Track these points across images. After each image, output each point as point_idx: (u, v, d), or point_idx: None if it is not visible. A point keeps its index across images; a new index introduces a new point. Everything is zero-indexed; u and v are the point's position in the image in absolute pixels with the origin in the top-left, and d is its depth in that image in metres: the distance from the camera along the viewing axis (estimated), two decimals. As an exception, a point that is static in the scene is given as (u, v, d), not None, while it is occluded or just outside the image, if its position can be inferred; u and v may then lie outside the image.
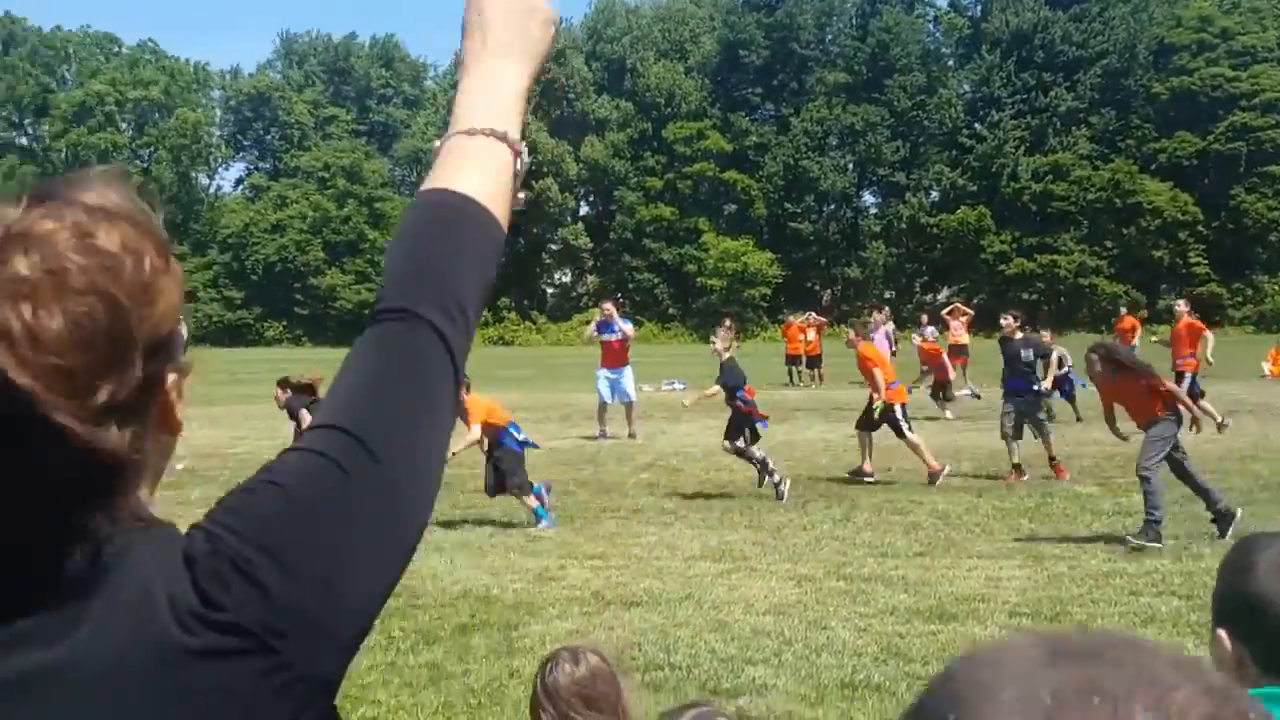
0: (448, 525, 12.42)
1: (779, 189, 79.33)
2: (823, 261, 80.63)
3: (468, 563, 10.72)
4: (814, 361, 33.07)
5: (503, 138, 1.31)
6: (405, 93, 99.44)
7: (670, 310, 78.23)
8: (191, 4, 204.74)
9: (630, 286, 79.90)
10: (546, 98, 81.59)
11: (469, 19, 1.42)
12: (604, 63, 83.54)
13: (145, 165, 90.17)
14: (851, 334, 16.90)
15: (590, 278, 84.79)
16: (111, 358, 0.97)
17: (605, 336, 21.36)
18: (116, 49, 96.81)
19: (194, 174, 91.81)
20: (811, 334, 33.54)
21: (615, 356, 20.77)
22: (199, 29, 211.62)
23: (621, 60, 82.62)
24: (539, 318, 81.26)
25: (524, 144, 1.33)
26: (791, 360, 33.14)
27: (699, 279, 77.49)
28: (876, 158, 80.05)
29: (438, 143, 1.34)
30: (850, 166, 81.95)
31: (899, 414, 14.98)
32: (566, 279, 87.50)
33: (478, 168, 1.28)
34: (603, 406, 20.58)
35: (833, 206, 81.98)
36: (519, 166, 1.32)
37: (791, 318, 36.14)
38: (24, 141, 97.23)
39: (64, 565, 0.98)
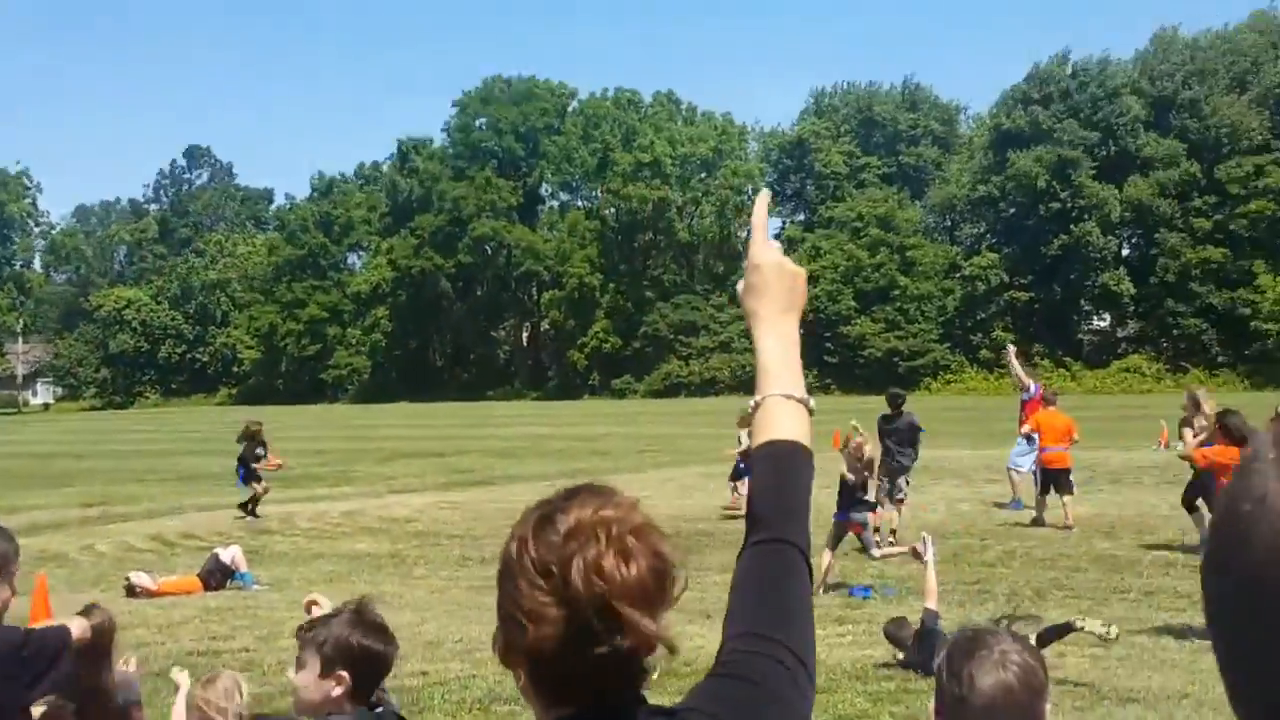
0: (952, 603, 13.15)
1: None
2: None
3: None
4: None
5: (804, 403, 2.09)
6: (935, 132, 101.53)
7: (1219, 357, 75.60)
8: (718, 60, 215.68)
9: (1175, 332, 78.08)
10: (1098, 141, 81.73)
11: (751, 281, 2.16)
12: (1154, 99, 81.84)
13: (690, 219, 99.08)
14: None
15: (1131, 323, 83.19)
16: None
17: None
18: (680, 113, 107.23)
19: (734, 227, 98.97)
20: None
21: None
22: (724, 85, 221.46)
23: (1174, 96, 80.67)
24: (1074, 364, 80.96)
25: (812, 401, 2.11)
26: None
27: (1254, 323, 73.20)
28: None
29: (758, 397, 2.10)
30: None
31: None
32: (1105, 324, 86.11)
33: (797, 422, 2.07)
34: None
35: None
36: (809, 413, 2.13)
37: None
38: (582, 203, 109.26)
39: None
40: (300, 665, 4.14)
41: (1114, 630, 10.08)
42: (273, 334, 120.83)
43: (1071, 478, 19.94)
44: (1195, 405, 17.44)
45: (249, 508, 23.27)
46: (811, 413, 2.12)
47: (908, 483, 18.68)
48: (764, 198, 2.31)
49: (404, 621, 12.76)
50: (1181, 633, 11.63)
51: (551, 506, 1.77)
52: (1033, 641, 2.99)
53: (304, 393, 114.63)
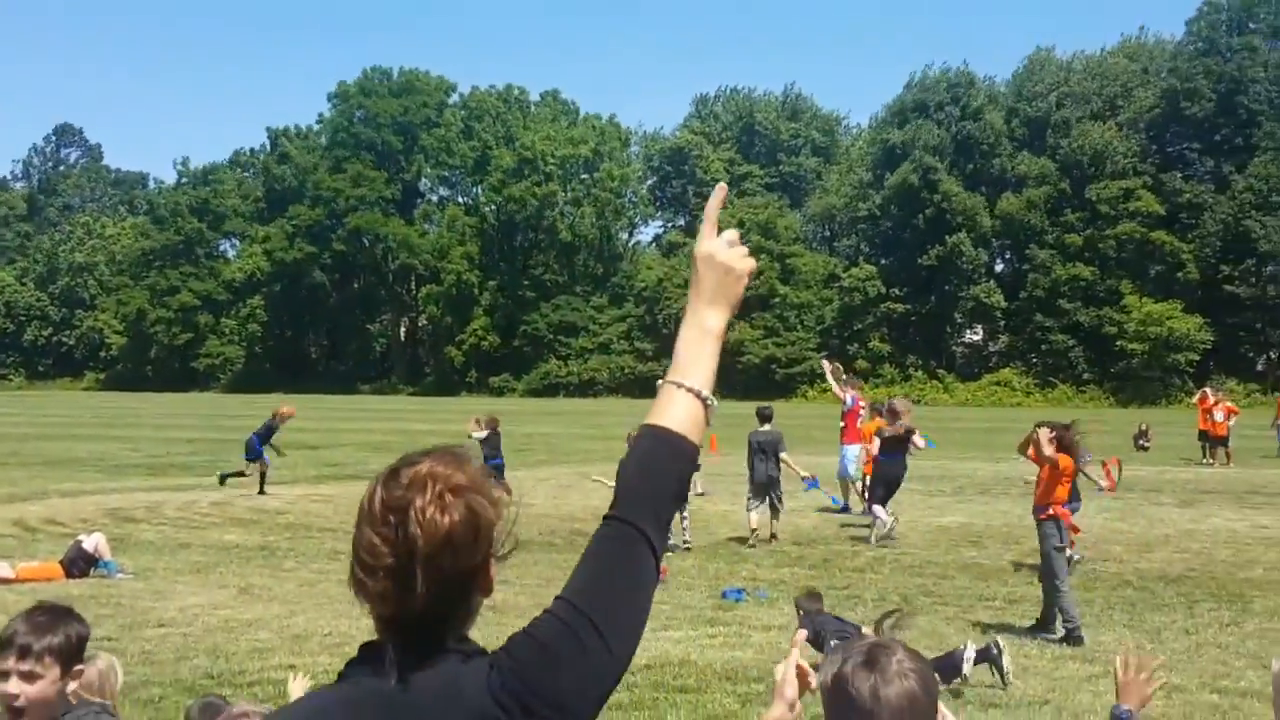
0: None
1: (1214, 250, 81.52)
2: (1259, 325, 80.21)
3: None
4: (1221, 440, 32.47)
5: (698, 395, 2.18)
6: (816, 142, 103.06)
7: (1085, 374, 77.26)
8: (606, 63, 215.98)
9: (1044, 347, 79.69)
10: (962, 153, 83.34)
11: (692, 271, 2.32)
12: (1026, 119, 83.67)
13: (571, 220, 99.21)
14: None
15: (1003, 337, 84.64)
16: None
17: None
18: (562, 113, 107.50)
19: (615, 229, 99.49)
20: (1219, 414, 32.78)
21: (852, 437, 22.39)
22: (610, 88, 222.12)
23: (1046, 117, 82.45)
24: (947, 376, 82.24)
25: (711, 397, 2.20)
26: (1203, 435, 32.95)
27: (1119, 342, 79.62)
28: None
29: (661, 381, 2.23)
30: None
31: None
32: (978, 337, 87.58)
33: (685, 412, 2.17)
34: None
35: (1272, 268, 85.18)
36: (708, 410, 2.21)
37: (1207, 390, 35.65)
38: (462, 199, 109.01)
39: (443, 648, 2.04)
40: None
41: (1009, 675, 10.13)
42: (142, 319, 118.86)
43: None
44: (894, 415, 18.91)
45: (230, 477, 24.95)
46: (708, 406, 2.21)
47: (779, 499, 18.98)
48: (719, 191, 2.40)
49: (273, 614, 12.62)
50: (1044, 641, 11.90)
51: (404, 460, 2.08)
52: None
53: (175, 380, 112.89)
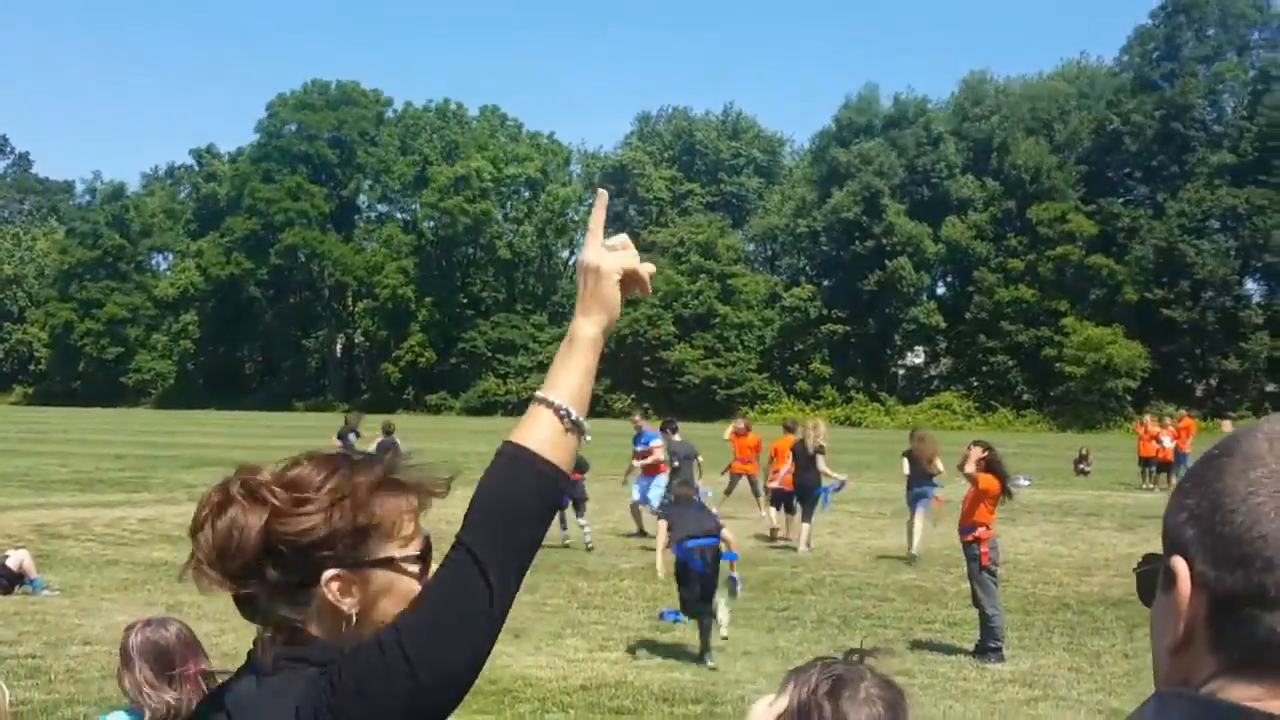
0: (762, 629, 13.54)
1: (1149, 274, 77.61)
2: (1197, 352, 78.98)
3: (773, 670, 11.00)
4: (1166, 466, 32.81)
5: (556, 410, 2.05)
6: (758, 161, 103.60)
7: (1025, 396, 77.89)
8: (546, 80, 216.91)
9: (984, 370, 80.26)
10: (912, 180, 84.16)
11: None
12: (970, 141, 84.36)
13: (510, 238, 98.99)
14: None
15: (944, 359, 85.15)
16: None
17: (638, 448, 22.42)
18: (502, 129, 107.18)
19: (555, 247, 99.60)
20: (1167, 439, 33.10)
21: (650, 469, 22.09)
22: (550, 105, 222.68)
23: (989, 139, 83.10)
24: (888, 399, 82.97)
25: (570, 409, 2.06)
26: (1144, 461, 33.42)
27: (1059, 365, 78.96)
28: (1263, 243, 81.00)
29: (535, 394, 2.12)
30: (1232, 252, 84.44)
31: None
32: (919, 360, 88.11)
33: (545, 429, 2.05)
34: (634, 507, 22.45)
35: (1210, 294, 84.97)
36: (568, 426, 2.05)
37: (1144, 418, 36.16)
38: (400, 215, 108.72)
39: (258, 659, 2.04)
40: None
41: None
42: (68, 333, 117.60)
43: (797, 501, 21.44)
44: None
45: None
46: (564, 418, 2.07)
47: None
48: (601, 199, 2.31)
49: (203, 632, 12.38)
50: (982, 664, 12.00)
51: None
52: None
53: (103, 395, 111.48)
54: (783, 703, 2.65)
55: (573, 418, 2.06)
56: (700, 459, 21.72)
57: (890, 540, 21.80)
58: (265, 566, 2.00)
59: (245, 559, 2.00)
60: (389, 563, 2.05)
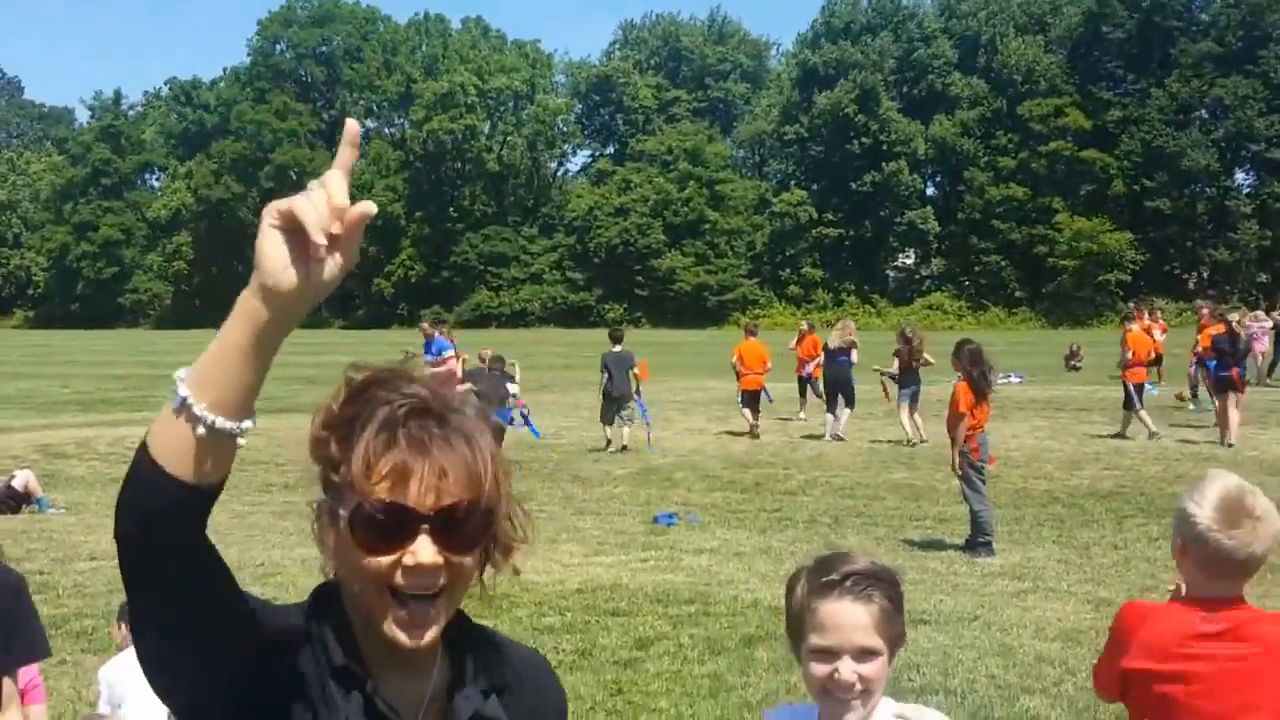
0: (754, 530, 13.78)
1: (1137, 166, 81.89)
2: (1188, 244, 79.33)
3: (766, 570, 11.52)
4: (1158, 360, 32.04)
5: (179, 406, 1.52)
6: (744, 67, 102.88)
7: (1018, 294, 77.86)
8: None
9: (976, 270, 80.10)
10: (901, 76, 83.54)
11: None
12: (958, 39, 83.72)
13: (499, 150, 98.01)
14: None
15: (935, 260, 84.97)
16: None
17: (428, 358, 20.89)
18: (484, 39, 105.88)
19: (545, 159, 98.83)
20: (1158, 333, 32.37)
21: None
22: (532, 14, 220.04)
23: (977, 36, 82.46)
24: (880, 301, 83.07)
25: (183, 389, 1.54)
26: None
27: (1050, 260, 78.93)
28: (1248, 134, 79.72)
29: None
30: (1219, 143, 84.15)
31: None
32: (910, 261, 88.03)
33: (162, 412, 1.55)
34: None
35: (1198, 185, 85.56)
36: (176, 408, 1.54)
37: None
38: (388, 130, 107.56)
39: None
40: None
41: None
42: (64, 256, 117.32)
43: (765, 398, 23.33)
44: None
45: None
46: (179, 400, 1.56)
47: (628, 415, 21.48)
48: (349, 132, 1.62)
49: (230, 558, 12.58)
50: (973, 558, 12.12)
51: None
52: None
53: (103, 317, 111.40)
54: None
55: (180, 399, 1.54)
56: (636, 369, 21.72)
57: (882, 438, 22.00)
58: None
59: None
60: (334, 516, 1.70)
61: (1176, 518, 3.64)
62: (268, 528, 13.86)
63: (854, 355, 22.81)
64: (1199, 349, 23.97)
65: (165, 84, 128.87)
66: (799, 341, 25.38)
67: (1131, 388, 21.84)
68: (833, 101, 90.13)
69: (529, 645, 2.05)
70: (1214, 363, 21.46)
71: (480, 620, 1.92)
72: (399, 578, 1.67)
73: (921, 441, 20.86)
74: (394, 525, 1.65)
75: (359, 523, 1.65)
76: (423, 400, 1.71)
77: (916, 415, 21.49)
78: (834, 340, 22.95)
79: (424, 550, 1.66)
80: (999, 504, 13.89)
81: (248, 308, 1.55)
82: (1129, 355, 22.20)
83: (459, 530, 1.69)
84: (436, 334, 21.49)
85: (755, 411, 22.98)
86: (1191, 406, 25.80)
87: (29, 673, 4.88)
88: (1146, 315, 34.39)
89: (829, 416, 22.56)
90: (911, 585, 10.46)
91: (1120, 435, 21.75)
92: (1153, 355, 27.61)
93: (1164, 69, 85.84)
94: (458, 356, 22.20)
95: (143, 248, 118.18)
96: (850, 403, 22.63)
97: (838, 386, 22.53)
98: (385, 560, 1.66)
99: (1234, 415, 20.63)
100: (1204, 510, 3.50)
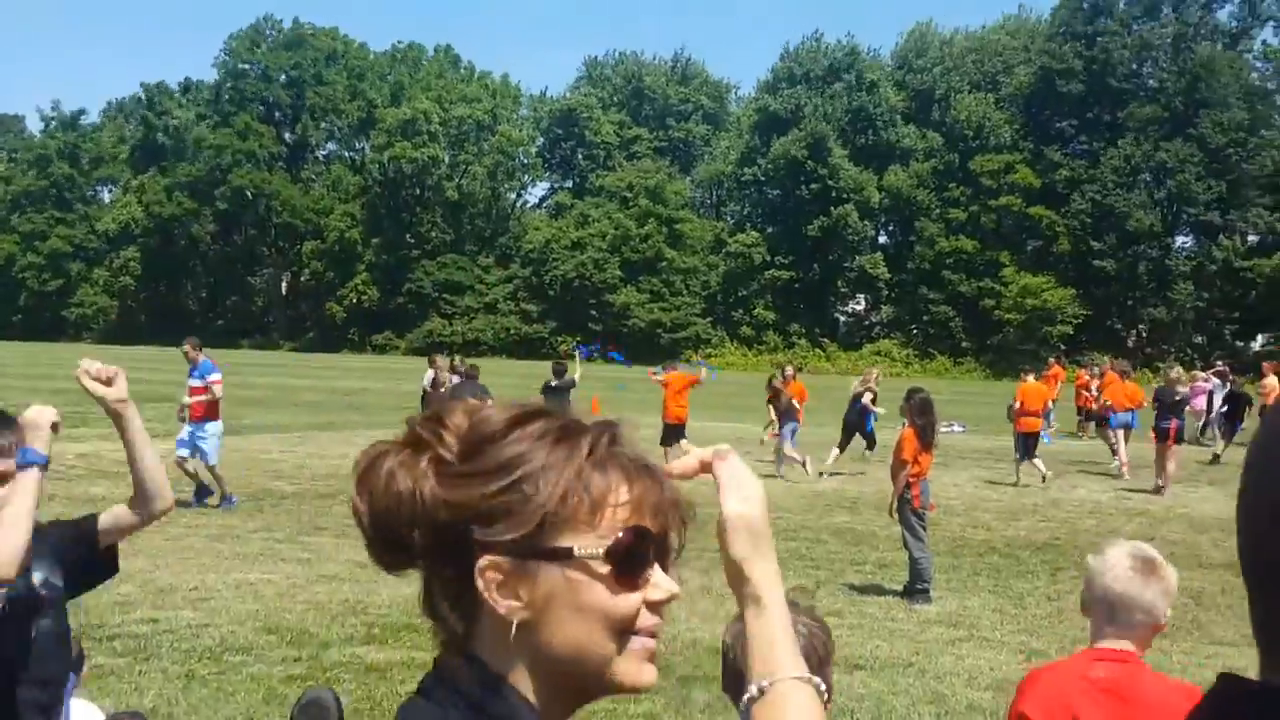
0: (696, 570, 12.39)
1: (1085, 226, 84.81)
2: (1129, 302, 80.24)
3: (706, 609, 11.36)
4: (1093, 414, 32.27)
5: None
6: (705, 108, 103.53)
7: (964, 344, 78.66)
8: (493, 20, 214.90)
9: (925, 318, 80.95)
10: (852, 126, 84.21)
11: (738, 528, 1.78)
12: (912, 92, 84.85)
13: (459, 180, 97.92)
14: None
15: (885, 307, 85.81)
16: None
17: (192, 382, 18.21)
18: (451, 69, 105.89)
19: (505, 190, 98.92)
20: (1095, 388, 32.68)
21: (197, 409, 17.86)
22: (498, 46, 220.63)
23: (931, 90, 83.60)
24: (830, 345, 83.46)
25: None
26: (1079, 410, 33.44)
27: (996, 313, 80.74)
28: (1188, 197, 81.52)
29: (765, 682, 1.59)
30: (1162, 205, 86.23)
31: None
32: (860, 307, 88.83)
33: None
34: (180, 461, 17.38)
35: (1141, 246, 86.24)
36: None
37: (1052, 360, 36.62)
38: (348, 155, 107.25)
39: None
40: None
41: None
42: (9, 266, 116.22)
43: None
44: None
45: None
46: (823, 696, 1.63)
47: None
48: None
49: (136, 568, 12.34)
50: (910, 605, 12.10)
51: None
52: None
53: (45, 329, 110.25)
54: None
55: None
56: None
57: (826, 483, 21.97)
58: (413, 540, 1.45)
59: (393, 525, 1.45)
60: (565, 555, 1.43)
61: (1085, 576, 3.86)
62: (201, 550, 13.65)
63: (866, 400, 24.20)
64: (1107, 402, 25.24)
65: (126, 97, 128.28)
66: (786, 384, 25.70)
67: (1020, 437, 22.59)
68: (786, 146, 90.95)
69: None
70: (1155, 414, 22.30)
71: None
72: (645, 616, 1.48)
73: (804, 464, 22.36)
74: (645, 554, 1.49)
75: (618, 555, 1.44)
76: (609, 425, 1.53)
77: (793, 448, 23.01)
78: (855, 386, 24.85)
79: (666, 579, 1.52)
80: (938, 552, 13.90)
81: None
82: (1016, 405, 22.95)
83: (669, 557, 1.56)
84: (200, 357, 18.26)
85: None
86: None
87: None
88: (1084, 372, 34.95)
89: (835, 450, 24.08)
90: (849, 630, 10.56)
91: (1015, 484, 22.23)
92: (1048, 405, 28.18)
93: (1113, 130, 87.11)
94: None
95: (89, 261, 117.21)
96: (870, 445, 24.89)
97: (855, 429, 24.36)
98: (636, 597, 1.46)
99: (1170, 466, 21.41)
100: (1110, 568, 3.72)
